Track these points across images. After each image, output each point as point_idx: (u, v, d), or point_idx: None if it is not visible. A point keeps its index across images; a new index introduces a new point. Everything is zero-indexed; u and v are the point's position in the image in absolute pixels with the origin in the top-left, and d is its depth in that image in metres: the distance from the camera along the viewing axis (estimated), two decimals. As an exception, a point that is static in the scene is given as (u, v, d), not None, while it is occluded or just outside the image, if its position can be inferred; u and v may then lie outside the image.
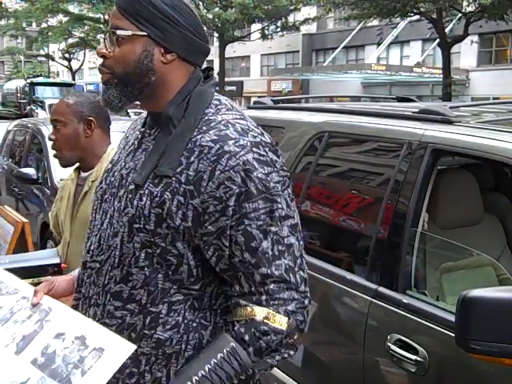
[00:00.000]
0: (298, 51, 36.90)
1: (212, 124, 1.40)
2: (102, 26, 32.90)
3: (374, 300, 2.30)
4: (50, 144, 6.63)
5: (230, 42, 31.57)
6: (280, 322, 1.35)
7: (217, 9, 29.45)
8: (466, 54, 27.76)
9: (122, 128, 2.01)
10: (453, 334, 1.75)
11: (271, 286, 1.35)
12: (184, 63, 1.46)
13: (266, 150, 1.39)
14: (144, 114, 1.62)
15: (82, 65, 44.52)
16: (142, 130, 1.53)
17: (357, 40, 30.93)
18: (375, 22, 24.75)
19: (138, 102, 1.52)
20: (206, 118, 1.42)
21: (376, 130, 2.64)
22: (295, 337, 1.38)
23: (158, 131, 1.47)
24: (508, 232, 2.84)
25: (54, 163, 5.93)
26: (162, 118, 1.45)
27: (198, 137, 1.39)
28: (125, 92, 1.44)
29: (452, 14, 21.77)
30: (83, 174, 2.50)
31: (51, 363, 1.32)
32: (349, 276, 2.48)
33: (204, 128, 1.40)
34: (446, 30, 21.74)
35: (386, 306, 2.24)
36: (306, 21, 30.72)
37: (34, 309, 1.47)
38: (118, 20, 1.43)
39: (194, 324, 1.43)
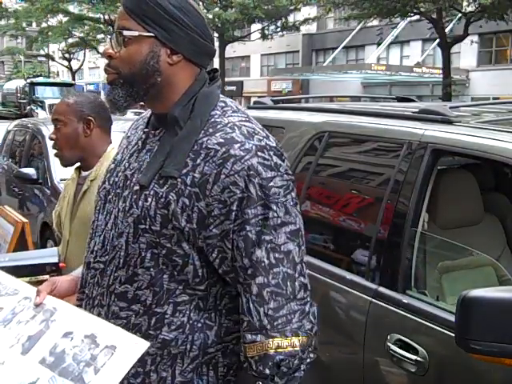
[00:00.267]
0: (298, 51, 36.88)
1: (218, 126, 1.40)
2: (102, 26, 32.92)
3: (374, 300, 2.30)
4: (50, 144, 6.63)
5: (230, 42, 31.56)
6: (292, 343, 1.35)
7: (217, 9, 29.44)
8: (466, 54, 27.76)
9: (123, 128, 2.01)
10: (453, 334, 1.75)
11: (271, 305, 1.35)
12: (190, 64, 1.46)
13: (271, 153, 1.39)
14: (145, 113, 1.62)
15: (81, 65, 44.51)
16: (146, 130, 1.53)
17: (357, 40, 30.92)
18: (375, 22, 24.74)
19: (141, 102, 1.52)
20: (213, 120, 1.42)
21: (376, 130, 2.64)
22: (311, 344, 1.39)
23: (162, 132, 1.47)
24: (508, 232, 2.84)
25: (54, 163, 5.93)
26: (167, 119, 1.44)
27: (205, 139, 1.39)
28: (130, 92, 1.44)
29: (452, 14, 21.76)
30: (84, 174, 2.50)
31: (61, 362, 1.32)
32: (349, 276, 2.48)
33: (210, 130, 1.40)
34: (446, 30, 21.74)
35: (386, 305, 2.24)
36: (305, 21, 30.71)
37: (38, 309, 1.46)
38: (124, 20, 1.43)
39: (199, 324, 1.43)
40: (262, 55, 38.75)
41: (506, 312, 1.60)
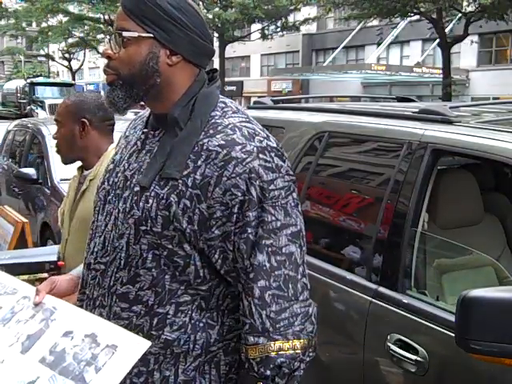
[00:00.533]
0: (298, 51, 36.88)
1: (219, 128, 1.40)
2: (101, 26, 32.90)
3: (374, 300, 2.30)
4: (50, 144, 6.63)
5: (230, 42, 31.56)
6: (293, 346, 1.36)
7: (217, 9, 29.44)
8: (466, 54, 27.76)
9: (122, 128, 2.01)
10: (453, 334, 1.75)
11: (273, 308, 1.35)
12: (189, 65, 1.46)
13: (272, 155, 1.39)
14: (143, 112, 1.62)
15: (82, 65, 44.51)
16: (145, 130, 1.52)
17: (357, 40, 30.92)
18: (375, 22, 24.74)
19: (142, 102, 1.52)
20: (213, 121, 1.42)
21: (376, 130, 2.64)
22: (312, 345, 1.40)
23: (162, 132, 1.47)
24: (508, 232, 2.84)
25: (54, 163, 5.93)
26: (167, 120, 1.44)
27: (205, 140, 1.39)
28: (130, 93, 1.44)
29: (452, 14, 21.76)
30: (85, 173, 2.52)
31: (61, 361, 1.32)
32: (349, 276, 2.48)
33: (211, 131, 1.40)
34: (446, 30, 21.74)
35: (386, 305, 2.24)
36: (306, 21, 30.70)
37: (37, 308, 1.46)
38: (123, 21, 1.42)
39: (201, 324, 1.43)
40: (262, 55, 38.74)
41: (506, 312, 1.60)
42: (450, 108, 2.52)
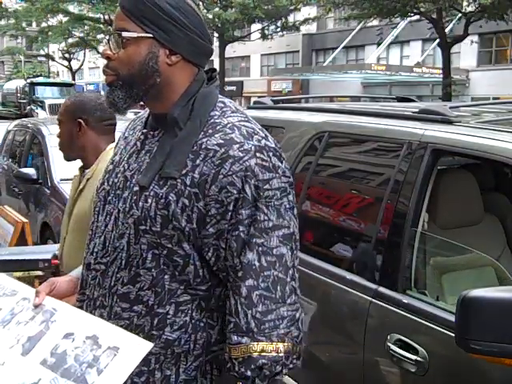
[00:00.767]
0: (298, 51, 36.89)
1: (218, 127, 1.40)
2: (101, 26, 32.91)
3: (374, 300, 2.30)
4: (50, 144, 6.63)
5: (230, 42, 31.56)
6: (276, 349, 1.34)
7: (217, 9, 29.44)
8: (466, 54, 27.75)
9: (122, 128, 2.01)
10: (453, 334, 1.76)
11: (259, 308, 1.34)
12: (188, 65, 1.46)
13: (270, 154, 1.39)
14: (142, 113, 1.62)
15: (82, 65, 44.52)
16: (145, 131, 1.52)
17: (357, 40, 30.92)
18: (375, 22, 24.74)
19: (140, 102, 1.52)
20: (212, 120, 1.42)
21: (376, 130, 2.64)
22: (296, 352, 1.38)
23: (161, 132, 1.47)
24: (508, 232, 2.84)
25: (54, 163, 5.94)
26: (167, 120, 1.44)
27: (204, 140, 1.39)
28: (130, 93, 1.44)
29: (452, 14, 21.76)
30: (85, 172, 2.54)
31: (63, 363, 1.31)
32: (349, 276, 2.48)
33: (210, 131, 1.40)
34: (446, 30, 21.73)
35: (386, 305, 2.24)
36: (306, 21, 30.71)
37: (37, 310, 1.46)
38: (122, 21, 1.42)
39: (202, 324, 1.43)
40: (262, 55, 38.75)
41: (506, 312, 1.60)
42: (450, 108, 2.52)
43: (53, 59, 45.10)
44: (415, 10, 20.80)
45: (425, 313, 2.10)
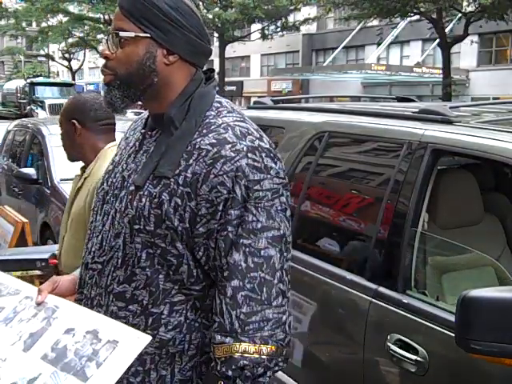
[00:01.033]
0: (298, 51, 36.89)
1: (212, 127, 1.40)
2: (101, 26, 32.93)
3: (374, 300, 2.30)
4: (50, 144, 6.63)
5: (230, 42, 31.57)
6: (259, 351, 1.33)
7: (217, 9, 29.46)
8: (466, 54, 27.76)
9: (122, 128, 2.01)
10: (453, 334, 1.76)
11: (243, 309, 1.34)
12: (186, 64, 1.46)
13: (263, 155, 1.38)
14: (144, 114, 1.62)
15: (81, 65, 44.54)
16: (143, 131, 1.53)
17: (357, 40, 30.92)
18: (375, 22, 24.73)
19: (139, 102, 1.52)
20: (207, 120, 1.42)
21: (376, 130, 2.64)
22: (281, 355, 1.37)
23: (159, 133, 1.47)
24: (508, 232, 2.84)
25: (54, 163, 5.94)
26: (164, 120, 1.45)
27: (198, 140, 1.39)
28: (127, 93, 1.45)
29: (452, 14, 21.77)
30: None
31: (63, 358, 1.33)
32: (349, 276, 2.48)
33: (204, 131, 1.40)
34: (446, 30, 21.74)
35: (386, 305, 2.24)
36: (306, 21, 30.72)
37: (39, 307, 1.47)
38: (120, 21, 1.43)
39: (197, 324, 1.43)
40: (262, 55, 38.75)
41: (506, 312, 1.60)
42: (450, 108, 2.52)
43: (53, 59, 45.10)
44: (415, 10, 20.80)
45: (425, 313, 2.10)
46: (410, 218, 2.26)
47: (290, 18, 32.33)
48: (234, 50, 35.52)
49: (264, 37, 31.92)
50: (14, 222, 4.31)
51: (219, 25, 29.00)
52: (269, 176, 1.38)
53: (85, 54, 42.91)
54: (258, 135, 1.42)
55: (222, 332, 1.35)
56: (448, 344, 1.90)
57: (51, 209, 5.78)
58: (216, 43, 31.45)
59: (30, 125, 7.31)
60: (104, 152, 2.41)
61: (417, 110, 2.58)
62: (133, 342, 1.31)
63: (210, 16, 28.44)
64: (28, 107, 29.32)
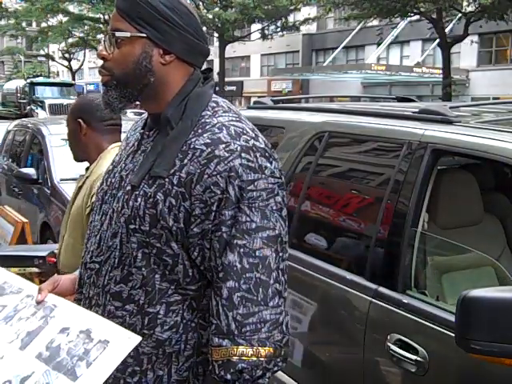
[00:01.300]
0: (298, 51, 36.90)
1: (207, 127, 1.40)
2: (101, 26, 32.92)
3: (374, 300, 2.30)
4: (50, 144, 6.63)
5: (230, 42, 31.57)
6: (256, 353, 1.33)
7: (217, 9, 29.46)
8: (466, 54, 27.76)
9: (126, 128, 2.02)
10: (453, 334, 1.76)
11: (240, 310, 1.33)
12: (183, 64, 1.46)
13: (257, 155, 1.38)
14: (145, 114, 1.63)
15: (81, 65, 44.55)
16: (142, 131, 1.54)
17: (357, 40, 30.93)
18: (375, 22, 24.74)
19: (137, 102, 1.53)
20: (203, 120, 1.42)
21: (376, 130, 2.64)
22: (280, 355, 1.36)
23: (156, 132, 1.48)
24: (508, 232, 2.84)
25: (54, 163, 5.94)
26: (160, 120, 1.45)
27: (193, 139, 1.39)
28: (124, 93, 1.45)
29: (452, 14, 21.77)
30: None
31: (56, 357, 1.34)
32: (349, 276, 2.48)
33: (199, 131, 1.40)
34: (446, 30, 21.74)
35: (386, 305, 2.24)
36: (306, 21, 30.74)
37: (39, 306, 1.48)
38: (117, 22, 1.44)
39: (193, 324, 1.43)
40: (262, 55, 38.75)
41: (506, 312, 1.60)
42: (450, 108, 2.52)
43: (53, 59, 45.11)
44: (415, 10, 20.81)
45: (425, 313, 2.10)
46: (410, 218, 2.26)
47: (290, 18, 32.35)
48: (234, 49, 35.52)
49: (264, 37, 31.93)
50: (14, 222, 4.31)
51: (219, 25, 29.00)
52: (263, 176, 1.37)
53: (85, 54, 42.91)
54: (253, 135, 1.41)
55: (219, 334, 1.34)
56: (448, 344, 1.90)
57: (51, 209, 5.78)
58: (216, 43, 31.48)
59: (30, 125, 7.31)
60: (106, 152, 2.42)
61: (417, 110, 2.58)
62: (123, 342, 1.32)
63: (210, 16, 28.46)
64: (28, 107, 29.31)
